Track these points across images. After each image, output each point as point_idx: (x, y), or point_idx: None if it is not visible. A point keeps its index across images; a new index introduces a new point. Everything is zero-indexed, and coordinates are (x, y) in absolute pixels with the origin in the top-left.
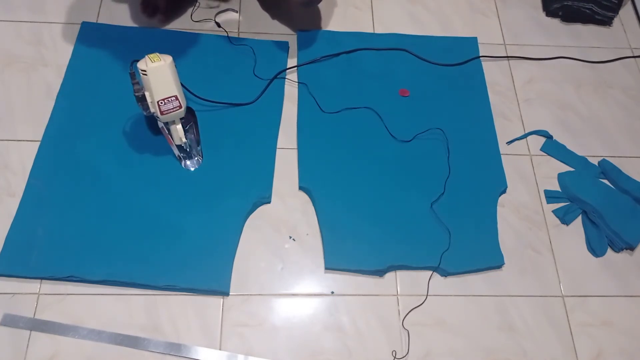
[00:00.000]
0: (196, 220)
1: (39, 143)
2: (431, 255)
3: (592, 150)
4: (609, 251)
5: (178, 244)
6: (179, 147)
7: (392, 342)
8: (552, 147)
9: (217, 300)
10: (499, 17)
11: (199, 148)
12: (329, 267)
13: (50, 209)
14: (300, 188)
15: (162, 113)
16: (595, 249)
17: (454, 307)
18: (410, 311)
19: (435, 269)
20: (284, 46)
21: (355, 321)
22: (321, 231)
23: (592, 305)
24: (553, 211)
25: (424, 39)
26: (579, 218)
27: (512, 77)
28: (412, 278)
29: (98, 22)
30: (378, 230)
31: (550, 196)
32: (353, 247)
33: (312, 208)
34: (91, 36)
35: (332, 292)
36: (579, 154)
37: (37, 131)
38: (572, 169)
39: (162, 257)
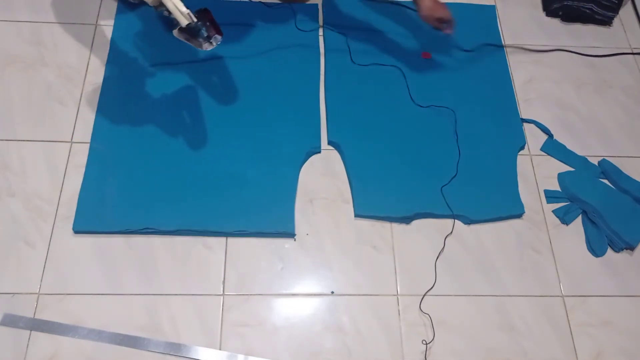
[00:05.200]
0: (256, 171)
1: (38, 143)
2: (455, 205)
3: (592, 150)
4: (609, 251)
5: (242, 193)
6: (190, 28)
7: (392, 342)
8: (552, 147)
9: (217, 300)
10: (498, 17)
11: (218, 37)
12: (359, 214)
13: (116, 168)
14: (329, 143)
15: None
16: (595, 249)
17: (454, 307)
18: (423, 296)
19: (457, 217)
20: (313, 8)
21: (355, 321)
22: (350, 181)
23: (592, 305)
24: (553, 211)
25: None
26: (579, 218)
27: (512, 77)
28: (412, 278)
29: (98, 22)
30: (404, 180)
31: (550, 196)
32: (381, 195)
33: (312, 208)
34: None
35: (332, 292)
36: (579, 153)
37: (37, 131)
38: (572, 169)
39: (229, 206)
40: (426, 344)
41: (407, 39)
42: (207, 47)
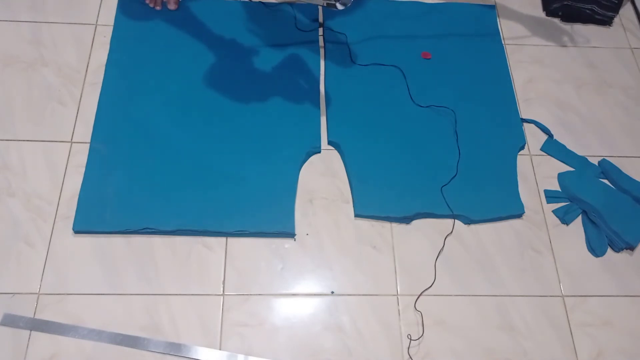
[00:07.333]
0: (256, 171)
1: (38, 143)
2: (455, 205)
3: (592, 150)
4: (609, 251)
5: (242, 193)
6: None
7: (392, 342)
8: (552, 147)
9: (217, 300)
10: (499, 16)
11: None
12: (359, 214)
13: (116, 168)
14: (329, 143)
15: None
16: (595, 249)
17: (454, 307)
18: (419, 296)
19: (457, 217)
20: (314, 8)
21: (355, 321)
22: (350, 181)
23: (592, 305)
24: (553, 211)
25: (445, 6)
26: (579, 218)
27: (512, 77)
28: (412, 278)
29: (98, 22)
30: (404, 180)
31: (550, 196)
32: (381, 195)
33: (313, 208)
34: (131, 4)
35: (332, 292)
36: (579, 153)
37: (37, 131)
38: (572, 169)
39: (229, 206)
40: (410, 339)
41: (407, 39)
42: (340, 6)
